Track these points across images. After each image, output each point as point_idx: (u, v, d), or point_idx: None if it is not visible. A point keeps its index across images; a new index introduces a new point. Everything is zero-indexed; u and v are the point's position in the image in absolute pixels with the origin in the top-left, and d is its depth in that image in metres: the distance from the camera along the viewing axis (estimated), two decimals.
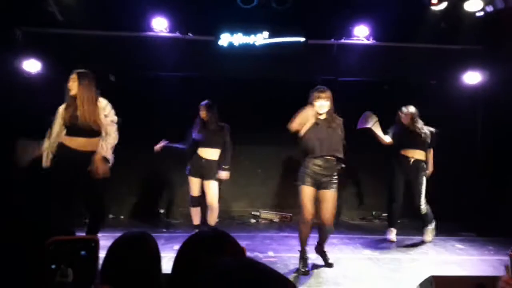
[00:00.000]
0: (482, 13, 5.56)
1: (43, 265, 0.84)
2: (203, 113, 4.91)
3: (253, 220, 6.32)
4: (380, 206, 6.34)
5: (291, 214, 6.28)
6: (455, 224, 5.69)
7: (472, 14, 5.59)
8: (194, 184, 4.91)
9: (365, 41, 6.10)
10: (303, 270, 3.85)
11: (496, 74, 6.05)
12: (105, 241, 1.57)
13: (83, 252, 0.85)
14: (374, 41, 6.09)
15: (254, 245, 4.78)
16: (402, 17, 5.80)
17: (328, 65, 6.21)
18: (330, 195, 3.87)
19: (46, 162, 3.70)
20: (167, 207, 6.39)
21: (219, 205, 4.97)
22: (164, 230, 5.58)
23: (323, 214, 3.89)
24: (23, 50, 5.68)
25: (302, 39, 5.95)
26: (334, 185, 3.90)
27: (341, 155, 3.91)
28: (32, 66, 5.70)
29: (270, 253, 4.49)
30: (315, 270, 3.97)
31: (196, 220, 5.02)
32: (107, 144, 3.67)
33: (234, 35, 5.92)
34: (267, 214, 6.41)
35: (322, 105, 3.88)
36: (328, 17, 5.97)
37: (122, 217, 6.24)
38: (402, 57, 6.11)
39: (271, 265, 0.77)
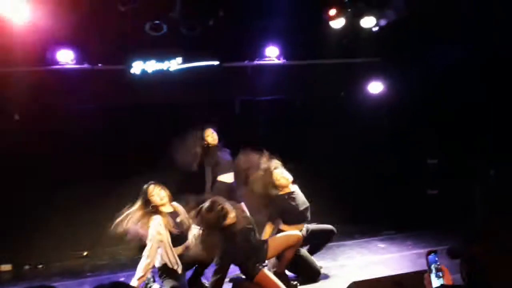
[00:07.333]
0: (377, 28, 6.08)
1: None
2: None
3: None
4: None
5: None
6: (376, 224, 5.97)
7: (369, 29, 6.09)
8: None
9: (277, 61, 6.37)
10: None
11: (396, 82, 6.67)
12: None
13: None
14: (285, 60, 6.40)
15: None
16: (308, 36, 6.18)
17: (244, 86, 6.40)
18: None
19: None
20: (91, 248, 5.96)
21: None
22: (89, 273, 5.21)
23: None
24: None
25: (216, 63, 6.05)
26: None
27: None
28: None
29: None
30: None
31: None
32: None
33: (147, 62, 5.85)
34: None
35: None
36: (240, 40, 6.16)
37: (40, 266, 5.65)
38: (311, 74, 6.50)
39: None
